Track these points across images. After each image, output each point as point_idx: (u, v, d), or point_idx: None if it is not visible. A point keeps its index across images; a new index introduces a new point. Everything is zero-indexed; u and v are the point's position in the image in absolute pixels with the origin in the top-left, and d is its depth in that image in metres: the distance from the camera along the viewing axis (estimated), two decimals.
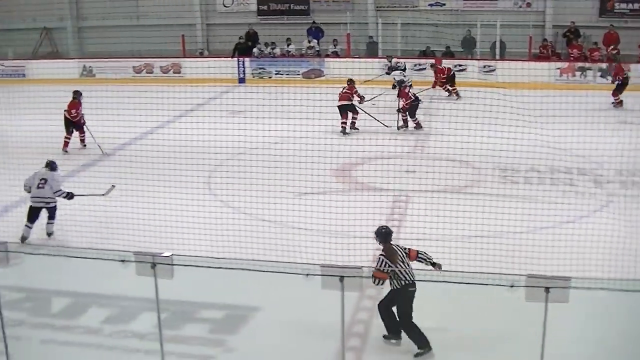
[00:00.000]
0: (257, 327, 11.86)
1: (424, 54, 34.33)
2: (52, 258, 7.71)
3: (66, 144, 22.47)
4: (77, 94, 23.03)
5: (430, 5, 35.77)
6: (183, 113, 23.41)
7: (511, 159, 16.93)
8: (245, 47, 35.95)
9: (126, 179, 15.90)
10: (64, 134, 22.24)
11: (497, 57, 33.47)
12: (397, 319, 11.01)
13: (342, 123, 24.18)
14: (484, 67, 32.32)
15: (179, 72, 35.27)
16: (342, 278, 7.85)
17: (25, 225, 15.32)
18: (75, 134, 22.83)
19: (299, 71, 34.29)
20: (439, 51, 34.14)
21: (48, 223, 15.66)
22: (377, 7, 36.47)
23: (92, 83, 32.61)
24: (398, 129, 24.44)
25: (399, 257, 10.78)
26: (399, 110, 24.80)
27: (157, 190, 15.78)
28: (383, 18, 35.63)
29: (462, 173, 17.97)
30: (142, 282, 7.26)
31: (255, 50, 36.06)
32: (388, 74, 30.87)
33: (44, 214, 15.50)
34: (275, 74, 34.29)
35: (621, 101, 27.22)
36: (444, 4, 35.76)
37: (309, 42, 35.78)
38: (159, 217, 14.84)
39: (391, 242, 11.02)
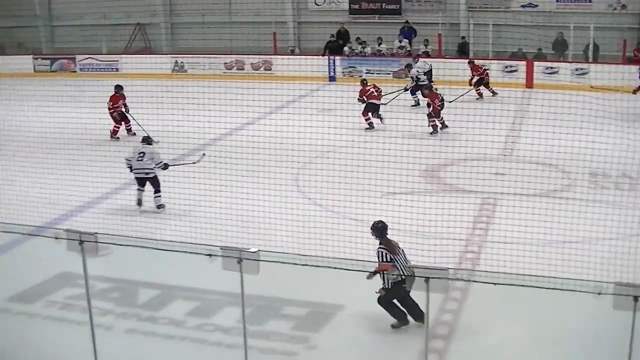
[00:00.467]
0: (340, 325, 11.84)
1: (515, 56, 33.90)
2: (140, 250, 7.79)
3: (115, 132, 24.45)
4: (118, 88, 24.64)
5: (523, 6, 35.26)
6: (273, 110, 23.54)
7: (602, 164, 16.58)
8: (336, 46, 35.95)
9: (215, 175, 16.01)
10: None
11: (590, 59, 32.77)
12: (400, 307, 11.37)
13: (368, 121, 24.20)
14: (577, 69, 31.70)
15: (270, 69, 35.45)
16: (427, 279, 7.77)
17: (138, 189, 17.29)
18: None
19: (389, 71, 34.14)
20: (530, 53, 33.64)
21: (155, 197, 16.98)
22: (469, 7, 36.09)
23: (183, 78, 33.03)
24: (431, 134, 23.46)
25: (398, 250, 11.33)
26: (429, 115, 23.86)
27: (246, 186, 15.88)
28: (475, 19, 35.26)
29: (552, 177, 17.70)
30: (228, 276, 7.29)
31: (346, 49, 36.03)
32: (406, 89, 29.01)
33: (149, 187, 16.95)
34: (366, 72, 34.15)
35: None
36: (537, 5, 35.18)
37: (400, 41, 35.60)
38: (247, 213, 14.94)
39: (387, 236, 11.52)
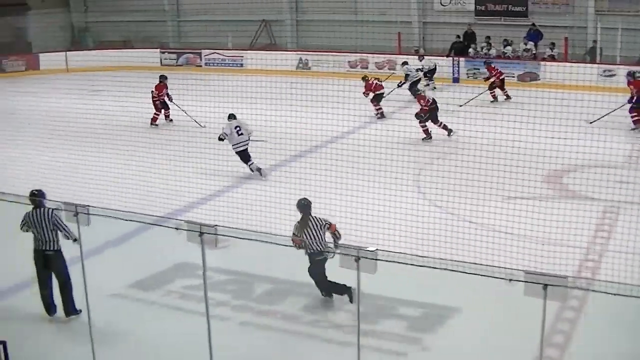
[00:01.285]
0: (454, 328, 11.72)
1: None
2: (258, 244, 7.86)
3: (155, 119, 26.40)
4: (163, 78, 26.98)
5: None
6: (396, 109, 23.50)
7: None
8: (461, 47, 35.63)
9: (335, 172, 16.07)
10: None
11: None
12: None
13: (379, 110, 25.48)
14: None
15: (394, 69, 35.31)
16: (545, 286, 7.58)
17: (249, 165, 19.28)
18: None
19: (514, 73, 33.58)
20: None
21: (250, 165, 19.01)
22: (597, 11, 35.21)
23: (307, 75, 33.22)
24: (423, 140, 22.17)
25: (310, 228, 12.00)
26: (416, 115, 22.75)
27: (366, 184, 15.89)
28: (603, 22, 34.38)
29: None
30: (345, 274, 7.29)
31: (470, 50, 35.66)
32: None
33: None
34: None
35: None
36: None
37: (525, 44, 35.03)
38: (366, 212, 14.92)
39: (310, 214, 12.28)
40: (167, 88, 26.69)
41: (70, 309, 12.07)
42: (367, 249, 7.19)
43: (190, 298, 12.80)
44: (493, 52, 35.18)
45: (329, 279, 11.95)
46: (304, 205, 12.38)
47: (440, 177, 16.00)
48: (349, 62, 36.48)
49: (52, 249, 11.92)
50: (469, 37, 36.08)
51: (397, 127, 17.69)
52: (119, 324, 12.08)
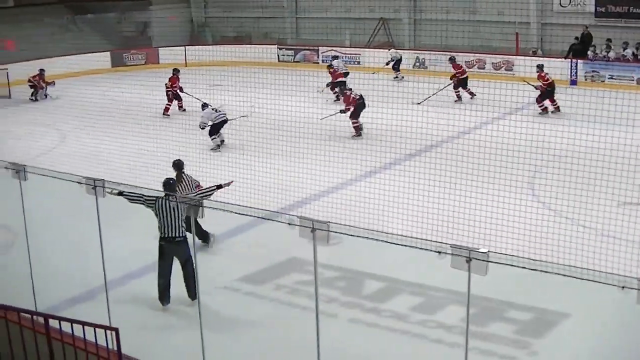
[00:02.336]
0: (564, 334, 11.56)
1: None
2: (370, 241, 7.89)
3: (167, 109, 28.77)
4: (176, 71, 29.19)
5: None
6: (512, 111, 23.19)
7: None
8: (579, 49, 34.93)
9: (449, 172, 16.01)
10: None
11: None
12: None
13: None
14: None
15: (511, 70, 34.87)
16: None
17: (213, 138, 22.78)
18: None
19: (633, 77, 32.78)
20: None
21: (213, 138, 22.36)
22: None
23: (424, 74, 33.06)
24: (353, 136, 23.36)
25: (183, 184, 14.43)
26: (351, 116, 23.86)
27: (479, 185, 15.78)
28: None
29: None
30: (455, 275, 7.27)
31: (589, 52, 34.93)
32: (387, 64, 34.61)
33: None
34: (609, 78, 33.00)
35: None
36: None
37: None
38: (479, 213, 14.83)
39: (183, 172, 14.67)
40: (179, 81, 28.98)
41: (195, 294, 12.40)
42: (479, 250, 7.15)
43: (300, 293, 12.94)
44: (612, 54, 34.37)
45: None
46: (177, 165, 14.82)
47: (554, 181, 15.76)
48: (466, 62, 36.14)
49: (181, 235, 12.23)
50: (586, 38, 35.32)
51: (512, 129, 17.48)
52: (229, 316, 12.31)
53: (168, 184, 12.65)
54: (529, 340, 11.40)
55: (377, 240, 7.74)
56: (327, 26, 40.66)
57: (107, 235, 10.72)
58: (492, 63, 35.67)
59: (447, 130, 19.24)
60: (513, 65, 34.79)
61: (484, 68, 35.67)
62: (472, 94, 28.87)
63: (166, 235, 12.29)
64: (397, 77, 34.82)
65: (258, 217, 9.16)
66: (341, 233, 7.98)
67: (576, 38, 34.93)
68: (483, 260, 7.10)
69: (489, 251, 7.16)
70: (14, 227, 14.90)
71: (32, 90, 33.50)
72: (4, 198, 12.47)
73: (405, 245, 7.55)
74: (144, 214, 12.61)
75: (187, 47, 41.65)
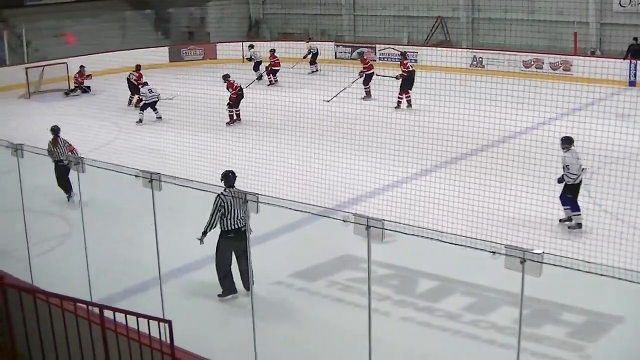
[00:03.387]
0: (618, 338, 11.45)
1: None
2: (424, 240, 7.90)
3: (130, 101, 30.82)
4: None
5: None
6: (569, 112, 22.96)
7: None
8: (638, 50, 34.43)
9: (505, 172, 15.92)
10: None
11: None
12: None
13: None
14: None
15: (569, 70, 34.49)
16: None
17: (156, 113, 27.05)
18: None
19: None
20: None
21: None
22: None
23: (480, 74, 32.87)
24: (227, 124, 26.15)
25: (59, 145, 16.01)
26: (228, 105, 26.55)
27: (534, 186, 15.68)
28: None
29: None
30: (509, 275, 7.25)
31: None
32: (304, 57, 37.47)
33: None
34: None
35: None
36: None
37: None
38: (532, 214, 14.73)
39: (59, 136, 15.44)
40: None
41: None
42: (533, 251, 7.12)
43: (352, 290, 12.98)
44: None
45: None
46: (53, 130, 17.32)
47: (611, 182, 15.59)
48: (523, 61, 35.81)
49: (245, 225, 12.37)
50: None
51: (569, 130, 17.33)
52: (281, 311, 12.38)
53: (228, 177, 12.69)
54: (582, 344, 11.31)
55: (431, 239, 7.75)
56: (385, 24, 40.55)
57: (163, 228, 10.86)
58: (550, 63, 35.31)
59: (504, 130, 19.10)
60: (571, 65, 34.41)
61: (541, 68, 35.33)
62: (367, 93, 29.74)
63: (234, 227, 12.49)
64: (313, 70, 37.37)
65: (313, 214, 9.20)
66: (395, 231, 8.00)
67: (635, 39, 34.42)
68: (537, 262, 7.07)
69: (543, 252, 7.13)
70: (72, 218, 15.16)
71: (74, 87, 34.34)
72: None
73: (460, 245, 7.55)
74: (198, 207, 12.74)
75: (244, 43, 41.84)
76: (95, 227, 12.36)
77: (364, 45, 40.68)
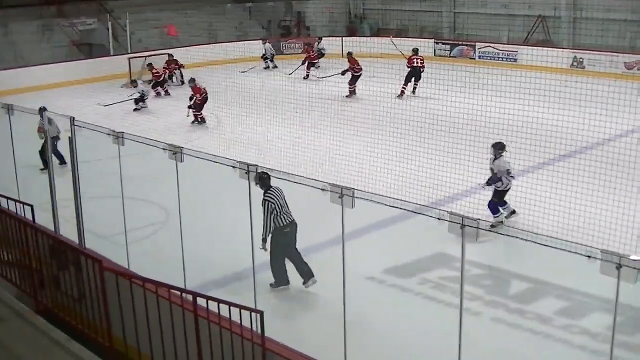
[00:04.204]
0: None
1: None
2: (518, 241, 7.85)
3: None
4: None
5: None
6: None
7: None
8: None
9: (602, 176, 15.70)
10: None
11: None
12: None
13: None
14: None
15: None
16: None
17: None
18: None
19: None
20: None
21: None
22: None
23: (581, 74, 32.35)
24: (192, 122, 26.75)
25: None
26: (189, 107, 27.03)
27: (634, 191, 15.43)
28: None
29: None
30: (604, 281, 7.15)
31: None
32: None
33: None
34: None
35: None
36: None
37: None
38: (632, 219, 14.48)
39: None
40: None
41: None
42: (630, 257, 7.02)
43: (444, 289, 12.96)
44: None
45: None
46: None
47: None
48: (625, 63, 35.13)
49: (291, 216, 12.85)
50: None
51: None
52: (372, 306, 12.40)
53: (264, 178, 12.61)
54: None
55: (525, 240, 7.69)
56: (485, 22, 40.21)
57: (258, 219, 10.99)
58: None
59: (603, 132, 18.78)
60: None
61: None
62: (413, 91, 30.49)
63: (289, 221, 12.79)
64: (267, 66, 39.24)
65: (408, 210, 9.20)
66: (491, 231, 7.97)
67: None
68: (633, 268, 6.97)
69: None
70: (169, 207, 15.45)
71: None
72: (162, 178, 12.91)
73: (555, 247, 7.47)
74: (295, 200, 12.86)
75: (344, 38, 41.96)
76: (191, 217, 12.56)
77: (463, 42, 40.44)
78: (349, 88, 30.35)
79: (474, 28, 40.59)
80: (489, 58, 38.73)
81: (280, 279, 13.13)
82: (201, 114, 26.91)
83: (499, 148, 15.86)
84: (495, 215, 15.55)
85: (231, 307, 8.91)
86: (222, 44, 39.58)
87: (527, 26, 40.26)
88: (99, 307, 9.66)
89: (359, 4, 48.56)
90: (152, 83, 33.36)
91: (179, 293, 9.45)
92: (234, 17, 46.03)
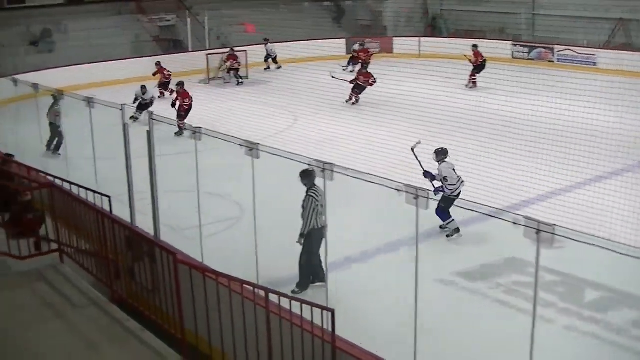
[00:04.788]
0: None
1: None
2: (594, 249, 7.73)
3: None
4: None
5: None
6: None
7: None
8: None
9: None
10: None
11: None
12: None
13: None
14: None
15: None
16: None
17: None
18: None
19: None
20: None
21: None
22: None
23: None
24: (175, 134, 23.09)
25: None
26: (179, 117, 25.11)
27: None
28: None
29: None
30: None
31: None
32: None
33: None
34: None
35: None
36: None
37: None
38: None
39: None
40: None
41: None
42: None
43: (516, 294, 12.84)
44: None
45: None
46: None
47: None
48: None
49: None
50: None
51: None
52: (443, 308, 12.37)
53: (312, 175, 12.66)
54: None
55: (602, 248, 7.59)
56: (564, 24, 39.68)
57: (332, 218, 11.00)
58: None
59: None
60: None
61: None
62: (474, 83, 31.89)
63: (324, 224, 12.54)
64: (267, 67, 38.99)
65: (483, 214, 9.15)
66: (567, 237, 7.85)
67: None
68: None
69: None
70: (244, 203, 15.56)
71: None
72: (238, 175, 13.02)
73: (631, 256, 7.36)
74: (370, 200, 12.86)
75: (421, 38, 41.84)
76: (265, 213, 12.63)
77: (542, 45, 39.98)
78: (356, 97, 29.40)
79: (554, 30, 40.05)
80: (567, 61, 38.23)
81: (305, 282, 13.19)
82: (184, 124, 23.35)
83: (441, 154, 15.79)
84: (446, 222, 15.42)
85: (303, 305, 8.94)
86: (300, 42, 39.77)
87: (608, 29, 39.61)
88: (172, 299, 9.77)
89: (437, 5, 48.33)
90: (158, 84, 32.90)
91: (251, 288, 9.51)
92: (312, 16, 46.18)
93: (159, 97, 31.03)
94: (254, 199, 12.08)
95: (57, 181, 13.42)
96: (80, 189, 12.97)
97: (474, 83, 32.09)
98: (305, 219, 12.77)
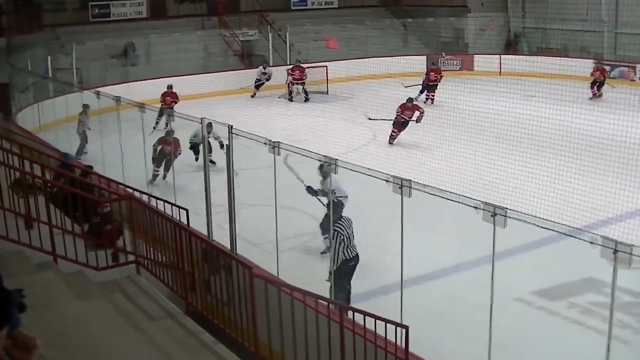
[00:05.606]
0: None
1: None
2: None
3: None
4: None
5: None
6: None
7: None
8: None
9: None
10: None
11: None
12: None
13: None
14: None
15: None
16: None
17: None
18: None
19: None
20: None
21: None
22: None
23: None
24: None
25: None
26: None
27: None
28: None
29: None
30: None
31: None
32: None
33: None
34: None
35: None
36: None
37: None
38: None
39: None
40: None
41: None
42: None
43: (593, 314, 12.68)
44: None
45: None
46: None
47: None
48: None
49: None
50: None
51: None
52: (518, 328, 12.26)
53: (336, 205, 12.77)
54: None
55: None
56: None
57: (409, 235, 10.98)
58: None
59: None
60: None
61: None
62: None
63: (354, 254, 12.72)
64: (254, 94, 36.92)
65: (560, 233, 9.06)
66: None
67: None
68: None
69: None
70: (320, 217, 15.64)
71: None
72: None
73: None
74: (447, 217, 12.81)
75: (502, 55, 41.55)
76: None
77: (624, 64, 39.36)
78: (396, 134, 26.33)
79: (636, 49, 39.38)
80: None
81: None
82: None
83: (323, 169, 15.46)
84: (325, 237, 15.12)
85: (377, 321, 8.96)
86: (381, 58, 39.78)
87: None
88: (246, 312, 9.86)
89: (519, 23, 47.90)
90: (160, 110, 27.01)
91: (325, 304, 9.57)
92: (393, 33, 46.23)
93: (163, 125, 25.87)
94: (331, 214, 12.14)
95: (136, 193, 13.64)
96: (158, 201, 13.18)
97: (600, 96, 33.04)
98: (332, 254, 12.52)
